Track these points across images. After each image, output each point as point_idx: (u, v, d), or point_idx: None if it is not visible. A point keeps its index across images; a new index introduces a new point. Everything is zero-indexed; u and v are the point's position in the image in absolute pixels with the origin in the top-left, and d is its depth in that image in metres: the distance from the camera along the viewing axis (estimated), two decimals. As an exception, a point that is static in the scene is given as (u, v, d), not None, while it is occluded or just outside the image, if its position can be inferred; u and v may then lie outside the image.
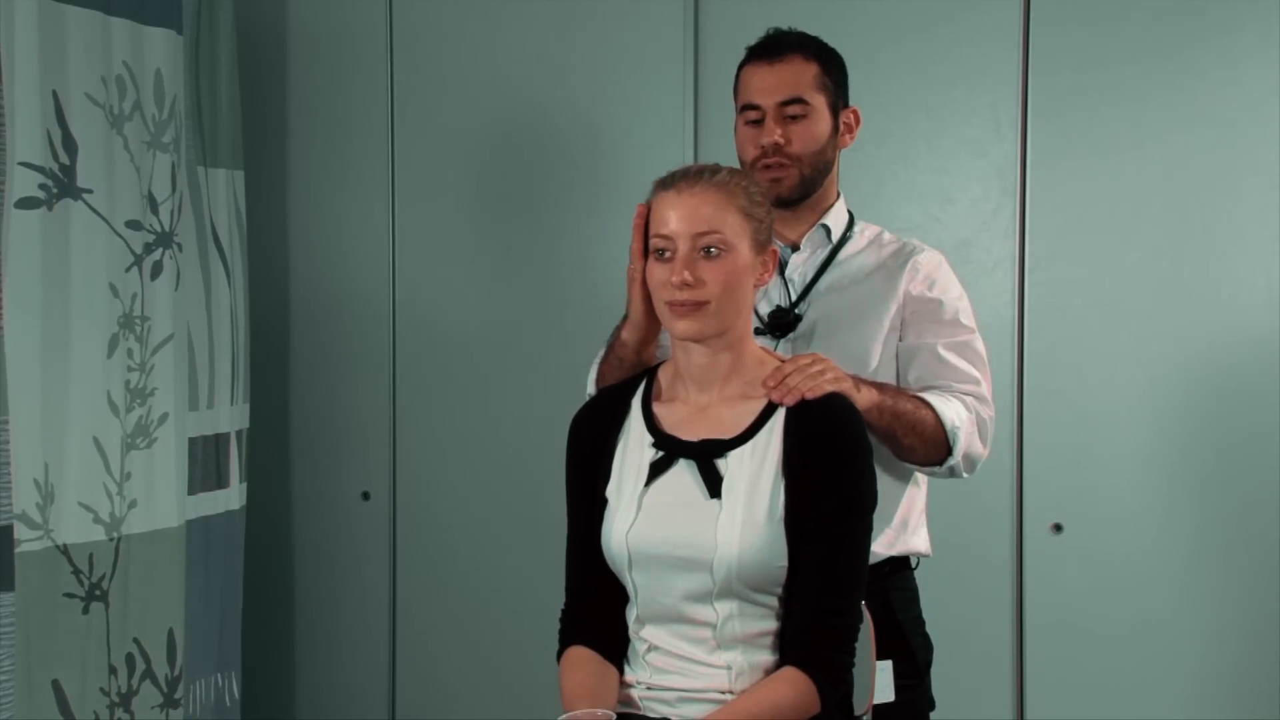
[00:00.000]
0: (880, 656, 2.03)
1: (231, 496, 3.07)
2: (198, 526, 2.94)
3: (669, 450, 1.86)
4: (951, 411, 2.07)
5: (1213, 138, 2.66)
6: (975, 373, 2.16)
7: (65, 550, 2.59)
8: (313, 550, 3.36)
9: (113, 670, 2.70)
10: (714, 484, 1.82)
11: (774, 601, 1.82)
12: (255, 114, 3.26)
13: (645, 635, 1.88)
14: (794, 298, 2.18)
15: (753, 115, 2.17)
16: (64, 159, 2.58)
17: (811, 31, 2.78)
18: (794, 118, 2.15)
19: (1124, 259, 2.73)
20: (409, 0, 3.21)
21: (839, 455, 1.82)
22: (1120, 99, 2.72)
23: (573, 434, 1.98)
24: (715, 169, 1.87)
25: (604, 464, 1.91)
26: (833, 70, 2.21)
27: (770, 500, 1.80)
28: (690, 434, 1.87)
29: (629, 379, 2.01)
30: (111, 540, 2.68)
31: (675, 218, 1.82)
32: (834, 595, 1.80)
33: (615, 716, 1.75)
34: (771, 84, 2.16)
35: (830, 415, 1.84)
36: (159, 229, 2.80)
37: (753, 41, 2.94)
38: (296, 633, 3.39)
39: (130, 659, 2.74)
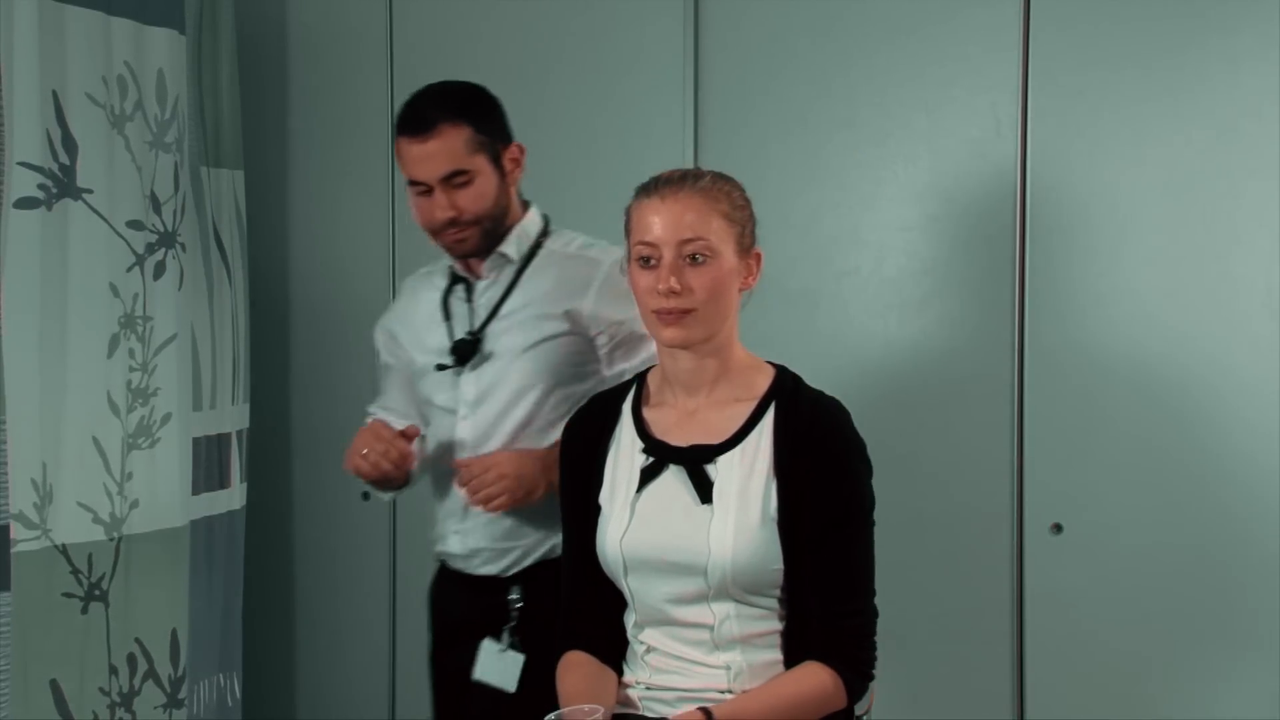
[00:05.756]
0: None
1: (233, 496, 3.07)
2: (200, 526, 2.94)
3: (659, 456, 1.86)
4: None
5: (1213, 138, 2.66)
6: None
7: (64, 550, 2.59)
8: (313, 550, 3.36)
9: (113, 670, 2.70)
10: (704, 489, 1.82)
11: (771, 603, 1.82)
12: (255, 114, 3.26)
13: (644, 638, 1.89)
14: (476, 325, 2.24)
15: (417, 189, 2.20)
16: (64, 159, 2.58)
17: (811, 32, 2.79)
18: (460, 185, 2.16)
19: (1124, 259, 2.72)
20: (409, 0, 3.21)
21: (833, 458, 1.82)
22: (1120, 99, 2.71)
23: (565, 440, 1.99)
24: (699, 174, 1.87)
25: (597, 470, 1.92)
26: (484, 122, 2.20)
27: (763, 503, 1.80)
28: (680, 439, 1.87)
29: (620, 384, 2.01)
30: (111, 540, 2.68)
31: (659, 224, 1.81)
32: (848, 597, 1.82)
33: (602, 711, 1.74)
34: (426, 160, 2.16)
35: (819, 417, 1.84)
36: (161, 229, 2.80)
37: (752, 44, 2.96)
38: (297, 633, 3.39)
39: (132, 659, 2.74)
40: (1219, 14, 2.64)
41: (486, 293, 2.26)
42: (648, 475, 1.86)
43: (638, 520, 1.84)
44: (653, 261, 1.82)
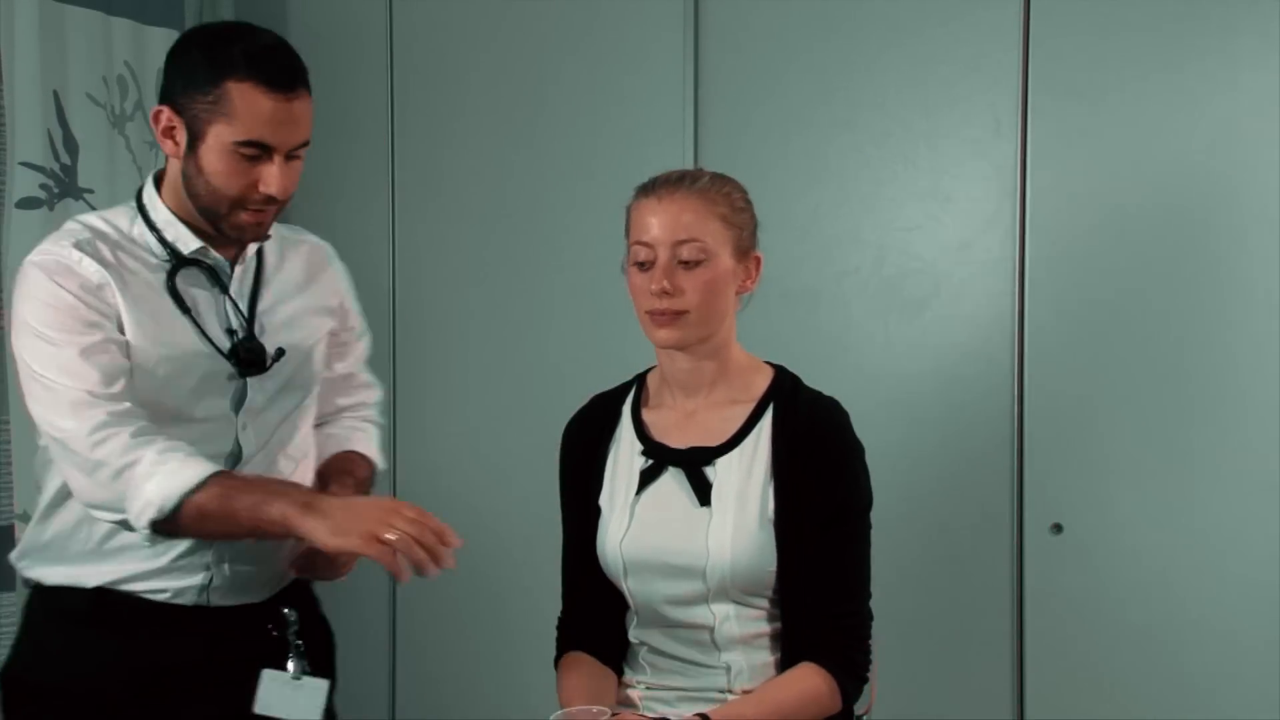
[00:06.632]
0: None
1: (233, 496, 3.06)
2: (199, 526, 2.93)
3: (657, 458, 1.86)
4: (375, 450, 2.13)
5: (1213, 139, 2.66)
6: (373, 376, 2.18)
7: (66, 550, 2.59)
8: (313, 550, 3.35)
9: (113, 670, 2.69)
10: (703, 492, 1.82)
11: (767, 604, 1.82)
12: (256, 114, 3.25)
13: (645, 639, 1.89)
14: (245, 322, 1.91)
15: (250, 151, 1.80)
16: (65, 159, 2.58)
17: (812, 33, 2.78)
18: (295, 159, 1.86)
19: (1123, 259, 2.73)
20: (409, 0, 3.21)
21: (831, 459, 1.82)
22: (1120, 99, 2.72)
23: (565, 443, 1.99)
24: (698, 174, 1.86)
25: (596, 473, 1.91)
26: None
27: (760, 505, 1.80)
28: (679, 441, 1.87)
29: (620, 385, 2.01)
30: (112, 540, 2.67)
31: (656, 225, 1.80)
32: (843, 598, 1.82)
33: (609, 713, 1.74)
34: (291, 123, 1.82)
35: (817, 418, 1.84)
36: (160, 229, 2.79)
37: (752, 44, 2.96)
38: (297, 632, 3.38)
39: (131, 659, 2.73)
40: (1219, 15, 2.64)
41: (241, 282, 1.93)
42: (647, 477, 1.86)
43: (637, 522, 1.84)
44: (647, 262, 1.81)
